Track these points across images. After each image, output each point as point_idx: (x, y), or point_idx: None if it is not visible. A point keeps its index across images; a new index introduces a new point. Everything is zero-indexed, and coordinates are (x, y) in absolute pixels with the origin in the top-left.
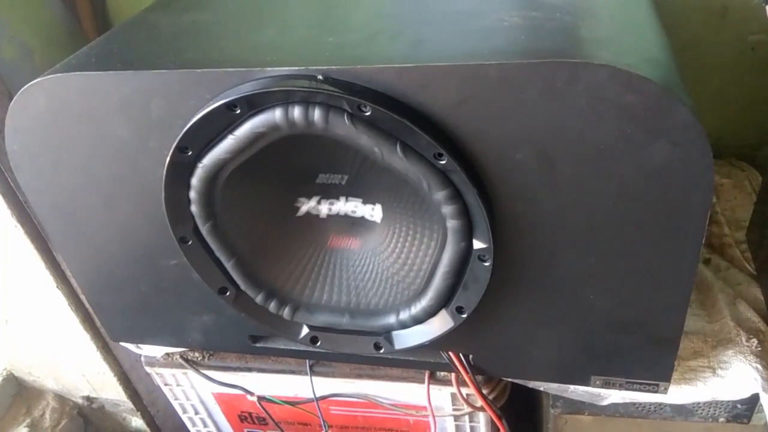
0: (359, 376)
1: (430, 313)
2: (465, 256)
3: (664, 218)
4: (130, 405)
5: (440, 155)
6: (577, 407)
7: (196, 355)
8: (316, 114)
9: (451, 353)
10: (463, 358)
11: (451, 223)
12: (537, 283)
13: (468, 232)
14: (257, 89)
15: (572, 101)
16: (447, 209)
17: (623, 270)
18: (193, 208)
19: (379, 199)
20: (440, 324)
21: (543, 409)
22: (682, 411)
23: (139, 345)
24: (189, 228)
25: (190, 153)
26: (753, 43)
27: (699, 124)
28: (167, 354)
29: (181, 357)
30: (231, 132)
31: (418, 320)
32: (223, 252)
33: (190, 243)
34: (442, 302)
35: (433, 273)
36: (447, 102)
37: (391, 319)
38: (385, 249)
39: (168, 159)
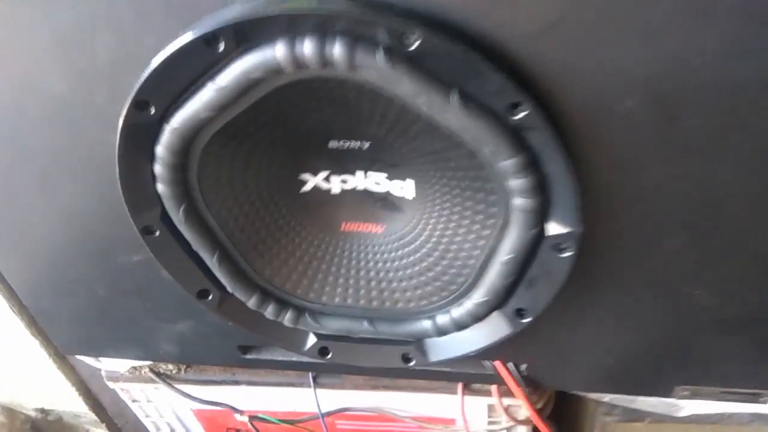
0: (375, 387)
1: (478, 317)
2: (534, 244)
3: None
4: (93, 416)
5: (517, 106)
6: (638, 415)
7: (170, 367)
8: (337, 49)
9: (497, 363)
10: (513, 369)
11: (520, 202)
12: (628, 278)
13: (542, 214)
14: (248, 14)
15: (719, 22)
16: (516, 183)
17: (746, 257)
18: (160, 188)
19: (413, 172)
20: (492, 330)
21: (585, 411)
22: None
23: (99, 358)
24: (155, 214)
25: (152, 111)
26: None
27: None
28: (133, 368)
29: (151, 371)
30: (211, 79)
31: (462, 325)
32: (203, 244)
33: (157, 234)
34: (496, 303)
35: (485, 265)
36: (530, 26)
37: (426, 324)
38: (420, 234)
39: (122, 120)
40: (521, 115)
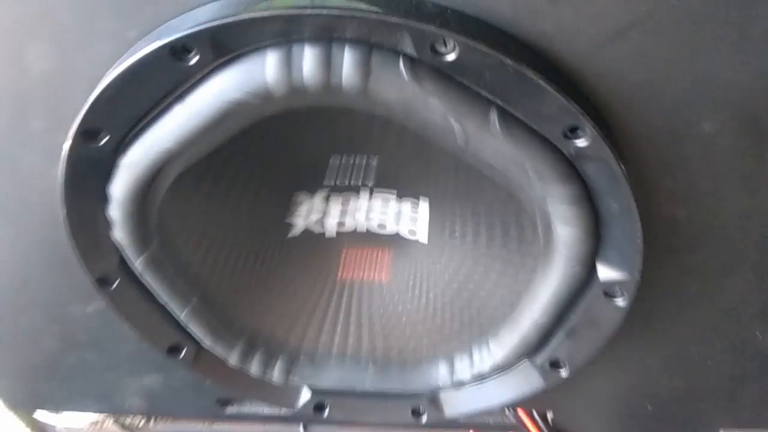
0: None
1: (503, 367)
2: (579, 288)
3: None
4: None
5: (575, 131)
6: None
7: (136, 420)
8: (347, 62)
9: (520, 411)
10: (537, 417)
11: (567, 242)
12: (683, 321)
13: (592, 255)
14: (229, 16)
15: None
16: (564, 220)
17: None
18: (117, 233)
19: (427, 197)
20: (520, 382)
21: None
22: None
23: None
24: (112, 263)
25: (104, 141)
26: None
27: None
28: (93, 423)
29: (116, 422)
30: (180, 100)
31: (483, 375)
32: (173, 295)
33: (115, 285)
34: (526, 352)
35: (515, 309)
36: (599, 30)
37: (441, 375)
38: (435, 278)
39: (65, 153)
40: (581, 142)
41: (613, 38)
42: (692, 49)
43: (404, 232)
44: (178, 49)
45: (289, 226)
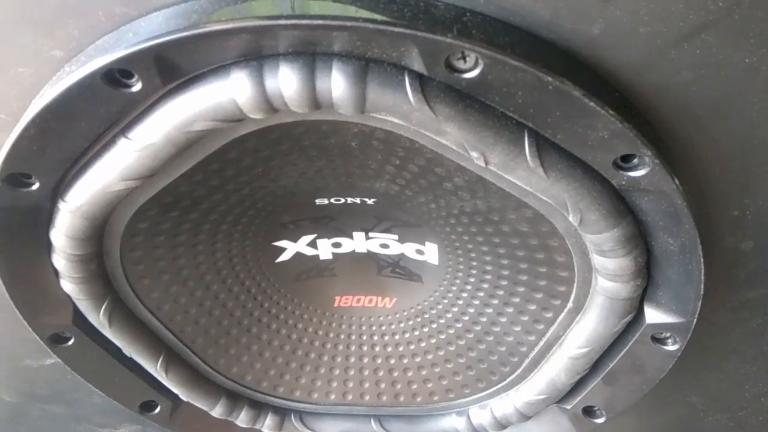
0: None
1: (529, 415)
2: (623, 333)
3: None
4: None
5: (629, 160)
6: None
7: None
8: (336, 81)
9: None
10: None
11: (611, 285)
12: (739, 359)
13: (640, 298)
14: (178, 30)
15: None
16: (609, 261)
17: None
18: (67, 286)
19: (437, 235)
20: (547, 429)
21: None
22: None
23: None
24: (64, 316)
25: (36, 186)
26: None
27: None
28: None
29: None
30: (124, 134)
31: (505, 424)
32: (142, 349)
33: (71, 342)
34: (557, 399)
35: (543, 355)
36: (659, 35)
37: (457, 425)
38: (447, 309)
39: None
40: (636, 173)
41: (679, 43)
42: None
43: (410, 265)
44: (113, 75)
45: (276, 252)
